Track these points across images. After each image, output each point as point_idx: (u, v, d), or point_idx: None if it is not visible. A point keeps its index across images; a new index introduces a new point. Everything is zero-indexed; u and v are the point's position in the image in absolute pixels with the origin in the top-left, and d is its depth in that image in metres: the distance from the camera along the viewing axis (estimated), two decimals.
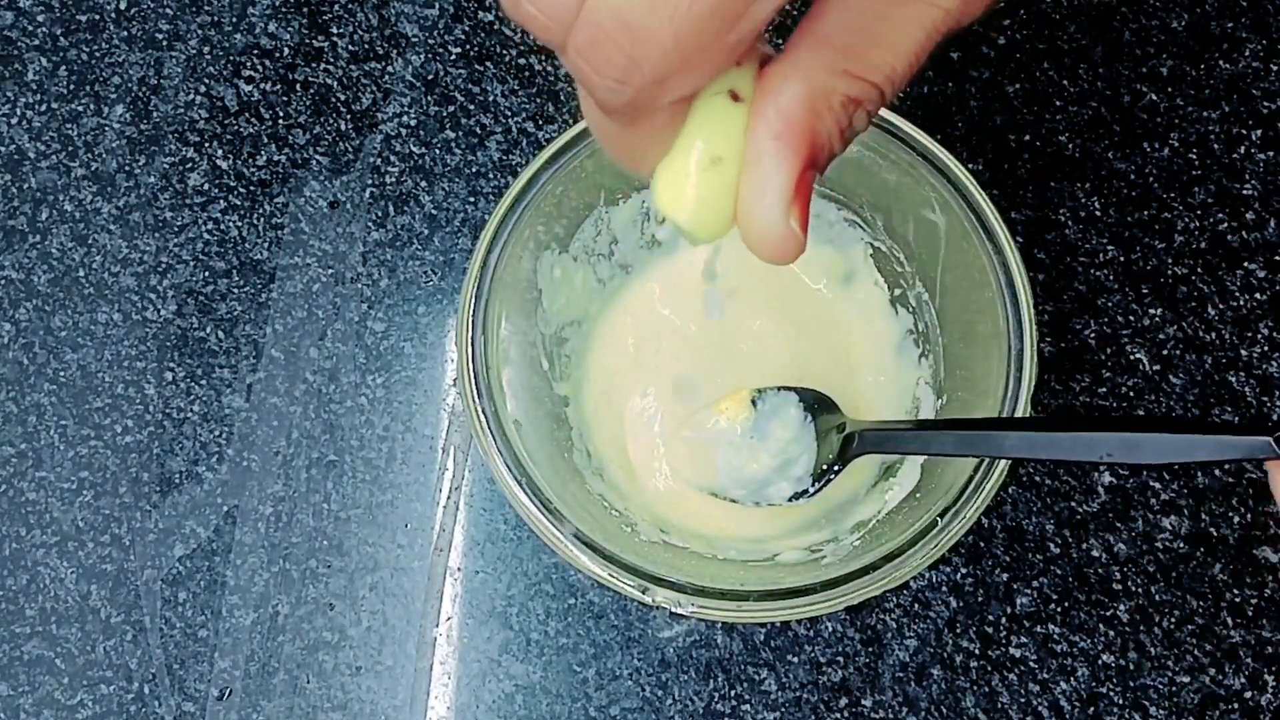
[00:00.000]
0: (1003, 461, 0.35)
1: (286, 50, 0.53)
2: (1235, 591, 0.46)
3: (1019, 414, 0.36)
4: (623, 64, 0.22)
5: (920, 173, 0.39)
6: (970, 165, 0.50)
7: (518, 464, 0.37)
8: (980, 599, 0.46)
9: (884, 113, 0.40)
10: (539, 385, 0.43)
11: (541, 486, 0.37)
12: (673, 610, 0.35)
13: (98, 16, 0.53)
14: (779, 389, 0.42)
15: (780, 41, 0.25)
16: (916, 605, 0.45)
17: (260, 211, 0.51)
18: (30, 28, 0.53)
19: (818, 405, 0.42)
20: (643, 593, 0.35)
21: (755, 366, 0.45)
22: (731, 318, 0.46)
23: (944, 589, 0.46)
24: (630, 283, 0.47)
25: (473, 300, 0.39)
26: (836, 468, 0.40)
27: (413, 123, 0.52)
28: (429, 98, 0.52)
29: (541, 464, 0.38)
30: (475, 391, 0.38)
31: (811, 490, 0.41)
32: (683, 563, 0.39)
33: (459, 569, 0.46)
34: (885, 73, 0.24)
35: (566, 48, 0.22)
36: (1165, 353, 0.48)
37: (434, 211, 0.51)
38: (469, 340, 0.38)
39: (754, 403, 0.42)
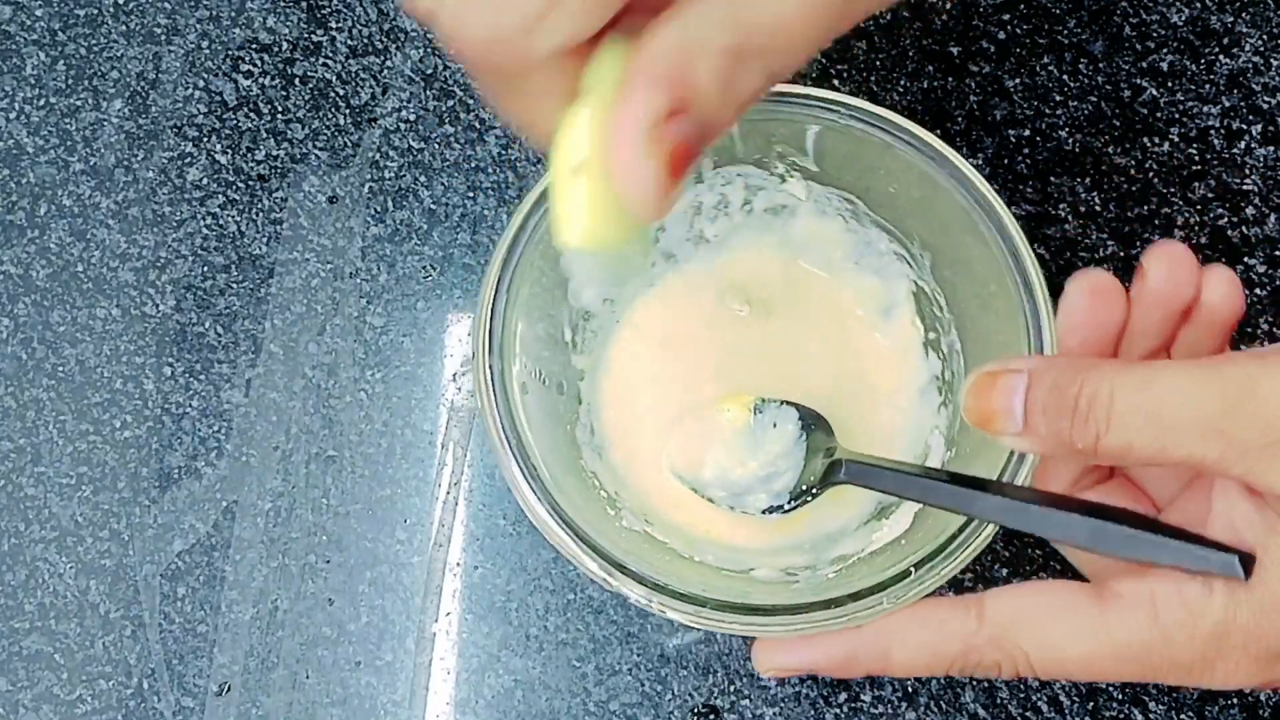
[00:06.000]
0: (990, 526, 0.35)
1: (285, 45, 0.53)
2: None
3: (1019, 480, 0.35)
4: (490, 19, 0.22)
5: (972, 219, 0.38)
6: (970, 160, 0.50)
7: (513, 426, 0.37)
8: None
9: (951, 155, 0.38)
10: (557, 354, 0.43)
11: (530, 452, 0.37)
12: (632, 601, 0.35)
13: (96, 11, 0.53)
14: (781, 402, 0.42)
15: None
16: None
17: (259, 206, 0.51)
18: (29, 22, 0.53)
19: (814, 426, 0.42)
20: (606, 576, 0.35)
21: (778, 379, 0.44)
22: (766, 329, 0.46)
23: (943, 584, 0.46)
24: (671, 272, 0.46)
25: (505, 253, 0.38)
26: (815, 491, 0.40)
27: (412, 117, 0.52)
28: (428, 92, 0.52)
29: (538, 429, 0.38)
30: (486, 346, 0.37)
31: (786, 507, 0.41)
32: (656, 557, 0.39)
33: (458, 564, 0.46)
34: (771, 27, 0.23)
35: (440, 22, 0.22)
36: None
37: (433, 206, 0.51)
38: (491, 292, 0.38)
39: (755, 410, 0.42)
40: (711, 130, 0.23)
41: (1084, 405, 0.30)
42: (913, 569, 0.35)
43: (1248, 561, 0.27)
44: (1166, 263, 0.35)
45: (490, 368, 0.37)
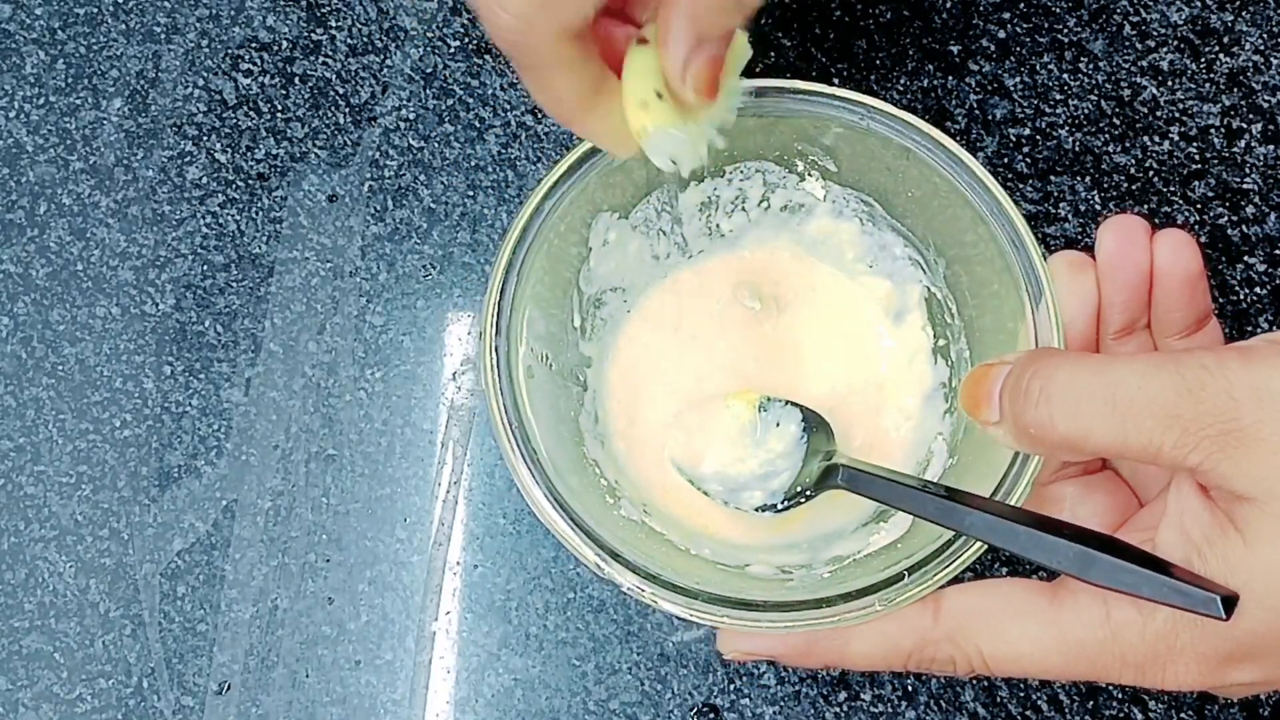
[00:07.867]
0: None
1: (284, 43, 0.53)
2: None
3: (1018, 491, 0.36)
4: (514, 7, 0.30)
5: (989, 229, 0.38)
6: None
7: (515, 408, 0.37)
8: None
9: (971, 162, 0.39)
10: (567, 339, 0.43)
11: (532, 435, 0.37)
12: (624, 590, 0.35)
13: (95, 9, 0.53)
14: (786, 402, 0.42)
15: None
16: None
17: (259, 205, 0.51)
18: (28, 21, 0.53)
19: (815, 428, 0.42)
20: (600, 563, 0.35)
21: (785, 377, 0.44)
22: (776, 326, 0.46)
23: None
24: (686, 265, 0.46)
25: (518, 235, 0.38)
26: (809, 493, 0.40)
27: (411, 116, 0.52)
28: (427, 91, 0.52)
29: (541, 413, 0.38)
30: (494, 328, 0.37)
31: (780, 507, 0.40)
32: (652, 548, 0.39)
33: (458, 563, 0.46)
34: None
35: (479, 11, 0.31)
36: None
37: (432, 205, 0.51)
38: (500, 274, 0.38)
39: (761, 408, 0.42)
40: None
41: (1034, 390, 0.31)
42: (906, 573, 0.34)
43: (1230, 602, 0.27)
44: (1116, 232, 0.36)
45: (496, 349, 0.37)
